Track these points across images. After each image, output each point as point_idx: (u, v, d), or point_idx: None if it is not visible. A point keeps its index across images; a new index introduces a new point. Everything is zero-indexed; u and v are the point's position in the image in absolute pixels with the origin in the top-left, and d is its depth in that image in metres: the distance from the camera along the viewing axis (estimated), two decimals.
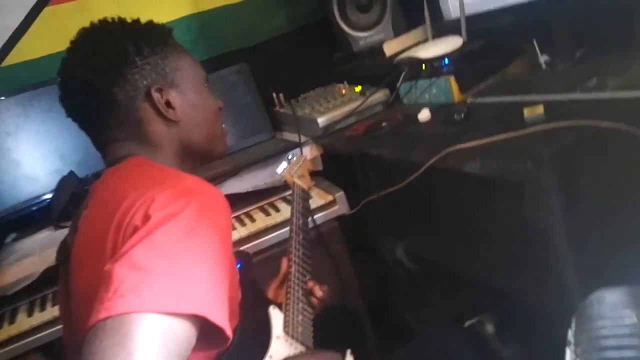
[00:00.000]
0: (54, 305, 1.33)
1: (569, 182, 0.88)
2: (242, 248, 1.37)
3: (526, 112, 1.05)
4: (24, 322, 1.29)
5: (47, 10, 1.63)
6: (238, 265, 0.84)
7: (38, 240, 1.40)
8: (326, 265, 1.49)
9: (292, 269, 0.98)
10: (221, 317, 0.59)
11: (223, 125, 0.93)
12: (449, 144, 1.06)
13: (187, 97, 0.84)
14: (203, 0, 1.84)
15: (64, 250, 0.79)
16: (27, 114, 1.54)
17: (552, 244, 0.90)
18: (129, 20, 0.84)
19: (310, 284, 0.99)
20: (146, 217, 0.61)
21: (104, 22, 0.83)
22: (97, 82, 0.78)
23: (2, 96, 1.53)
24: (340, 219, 1.52)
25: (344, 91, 1.74)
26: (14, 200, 1.51)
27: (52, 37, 1.64)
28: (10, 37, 1.60)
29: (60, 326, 1.24)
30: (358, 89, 1.72)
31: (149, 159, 0.80)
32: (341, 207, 1.51)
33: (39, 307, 1.34)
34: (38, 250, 1.33)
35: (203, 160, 0.91)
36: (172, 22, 1.79)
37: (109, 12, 1.65)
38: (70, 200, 1.47)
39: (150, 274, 0.56)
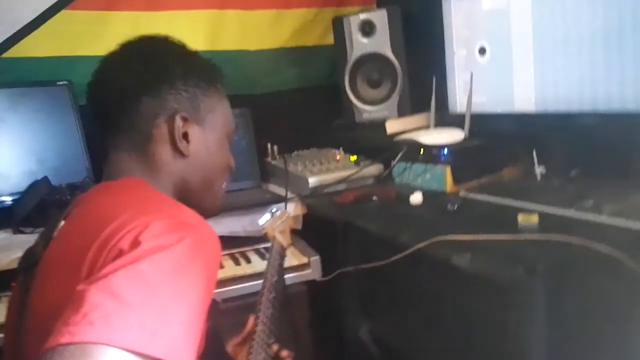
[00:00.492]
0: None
1: (557, 297, 0.87)
2: None
3: (521, 218, 1.06)
4: None
5: (64, 12, 1.62)
6: None
7: None
8: (284, 330, 1.43)
9: (258, 329, 0.92)
10: None
11: (224, 184, 0.90)
12: (440, 232, 1.05)
13: (206, 139, 0.82)
14: (220, 40, 1.85)
15: (31, 258, 0.72)
16: (16, 109, 1.48)
17: (529, 355, 0.88)
18: (191, 48, 0.84)
19: (275, 347, 0.93)
20: (135, 243, 0.56)
21: (166, 38, 0.83)
22: (130, 85, 0.76)
23: None
24: (309, 284, 1.47)
25: (338, 157, 1.74)
26: None
27: (62, 40, 1.62)
28: (20, 30, 1.57)
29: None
30: (353, 158, 1.72)
31: (147, 182, 0.75)
32: (314, 272, 1.46)
33: None
34: None
35: (190, 207, 0.87)
36: None
37: (125, 29, 1.67)
38: (37, 206, 1.40)
39: (127, 306, 0.51)
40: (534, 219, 1.05)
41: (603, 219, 1.01)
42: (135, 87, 0.77)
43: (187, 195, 0.81)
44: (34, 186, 1.44)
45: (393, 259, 1.14)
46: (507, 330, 0.91)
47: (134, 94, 0.77)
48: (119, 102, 0.78)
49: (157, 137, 0.78)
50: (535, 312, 0.87)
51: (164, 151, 0.78)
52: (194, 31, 1.79)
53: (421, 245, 1.06)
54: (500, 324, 0.92)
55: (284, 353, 0.95)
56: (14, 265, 1.22)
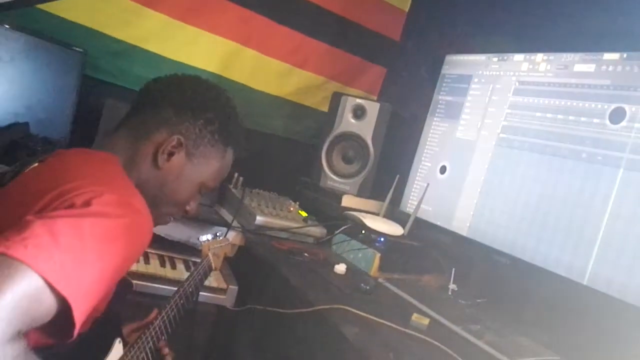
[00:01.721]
0: None
1: None
2: None
3: (414, 317, 1.21)
4: None
5: None
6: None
7: None
8: (180, 341, 1.50)
9: (157, 322, 1.02)
10: (80, 316, 0.64)
11: (170, 217, 1.00)
12: (344, 303, 1.18)
13: (183, 169, 0.93)
14: (232, 70, 2.02)
15: None
16: (28, 55, 1.59)
17: None
18: (233, 101, 1.00)
19: (162, 343, 1.02)
20: (87, 203, 0.68)
21: (226, 91, 1.01)
22: (172, 96, 0.92)
23: (19, 30, 1.60)
24: (220, 308, 1.56)
25: (291, 209, 1.87)
26: None
27: (96, 13, 1.76)
28: None
29: None
30: (304, 214, 1.86)
31: (120, 164, 0.87)
32: (228, 300, 1.56)
33: None
34: None
35: None
36: (196, 69, 1.95)
37: (152, 27, 1.80)
38: (7, 144, 1.48)
39: (58, 246, 0.62)
40: (425, 321, 1.20)
41: (479, 343, 1.15)
42: (174, 99, 0.92)
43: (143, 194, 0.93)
44: (12, 126, 1.53)
45: (296, 311, 1.25)
46: None
47: (167, 102, 0.92)
48: (155, 99, 0.93)
49: (153, 139, 0.90)
50: None
51: (147, 152, 0.90)
52: (213, 54, 1.96)
53: (322, 307, 1.19)
54: None
55: (166, 351, 1.03)
56: None
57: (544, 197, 1.34)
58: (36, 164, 0.84)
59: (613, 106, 1.22)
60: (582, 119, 1.27)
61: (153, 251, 1.58)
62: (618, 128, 1.21)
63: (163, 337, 1.03)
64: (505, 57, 1.54)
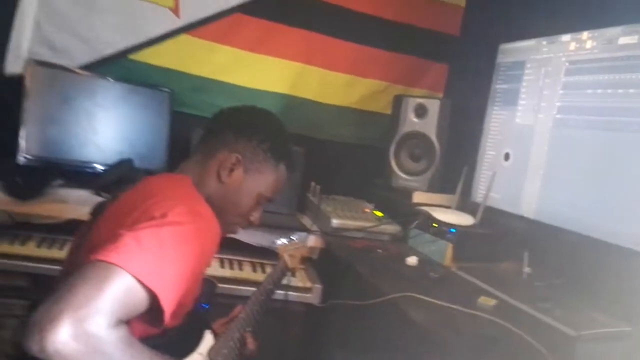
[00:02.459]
0: (60, 248, 1.57)
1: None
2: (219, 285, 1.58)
3: (481, 299, 1.27)
4: (30, 249, 1.54)
5: (183, 35, 2.02)
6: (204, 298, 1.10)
7: (76, 195, 1.67)
8: (272, 339, 1.66)
9: (241, 315, 1.19)
10: (167, 305, 0.81)
11: (238, 227, 1.17)
12: (412, 290, 1.28)
13: (242, 183, 1.10)
14: (300, 88, 2.20)
15: (99, 209, 1.04)
16: (126, 100, 1.88)
17: None
18: (284, 126, 1.18)
19: (247, 334, 1.18)
20: (163, 215, 0.86)
21: (272, 115, 1.20)
22: (229, 122, 1.13)
23: (118, 80, 1.88)
24: (308, 306, 1.72)
25: (367, 210, 1.99)
26: (77, 156, 1.81)
27: (175, 56, 2.02)
28: (146, 41, 1.98)
29: (51, 266, 1.49)
30: (379, 214, 1.97)
31: (193, 182, 1.06)
32: (314, 297, 1.71)
33: (46, 244, 1.59)
34: (72, 202, 1.60)
35: None
36: (269, 93, 2.15)
37: (227, 61, 2.03)
38: (117, 179, 1.75)
39: (143, 250, 0.80)
40: (492, 302, 1.26)
41: (546, 319, 1.19)
42: (232, 123, 1.12)
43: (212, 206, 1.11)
44: (120, 163, 1.81)
45: (370, 302, 1.37)
46: None
47: (226, 127, 1.11)
48: (217, 126, 1.13)
49: (216, 158, 1.09)
50: None
51: (212, 170, 1.09)
52: (281, 77, 2.16)
53: (392, 296, 1.29)
54: None
55: (250, 340, 1.20)
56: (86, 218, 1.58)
57: (605, 172, 1.35)
58: (128, 191, 1.05)
59: None
60: (631, 90, 1.27)
61: (243, 258, 1.77)
62: None
63: (248, 329, 1.19)
64: (553, 40, 1.56)
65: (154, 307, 0.81)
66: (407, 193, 1.99)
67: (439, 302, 1.24)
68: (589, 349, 1.12)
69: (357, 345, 1.57)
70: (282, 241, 1.51)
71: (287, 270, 1.45)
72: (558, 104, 1.52)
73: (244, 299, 1.29)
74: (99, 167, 1.83)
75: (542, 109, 1.58)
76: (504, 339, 1.10)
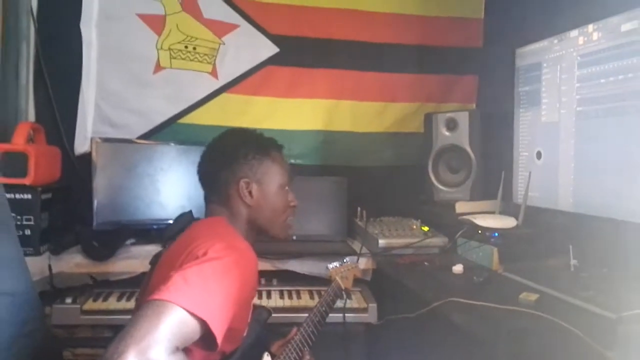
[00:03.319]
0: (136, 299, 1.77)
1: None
2: (280, 315, 1.71)
3: (522, 295, 1.32)
4: (112, 303, 1.74)
5: (224, 94, 2.24)
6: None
7: (147, 250, 1.87)
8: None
9: (297, 337, 1.30)
10: (218, 330, 0.94)
11: (290, 218, 1.33)
12: (456, 296, 1.34)
13: (264, 192, 1.26)
14: (335, 123, 2.35)
15: (155, 259, 1.22)
16: (180, 160, 2.08)
17: None
18: (249, 130, 1.33)
19: (307, 354, 1.29)
20: (205, 253, 1.01)
21: (234, 130, 1.34)
22: (213, 165, 1.28)
23: (172, 142, 2.11)
24: (366, 325, 1.80)
25: (414, 227, 2.06)
26: (144, 216, 2.03)
27: (219, 113, 2.24)
28: (192, 105, 2.22)
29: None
30: (425, 228, 2.04)
31: (227, 220, 1.21)
32: (370, 316, 1.79)
33: (126, 297, 1.79)
34: (142, 257, 1.79)
35: (264, 235, 1.30)
36: (305, 131, 2.31)
37: (264, 110, 2.23)
38: (179, 230, 1.94)
39: (190, 286, 0.94)
40: (533, 297, 1.30)
41: (587, 306, 1.22)
42: (215, 166, 1.27)
43: (257, 227, 1.27)
44: (182, 216, 1.98)
45: (416, 313, 1.44)
46: None
47: (215, 170, 1.27)
48: (208, 175, 1.29)
49: (232, 195, 1.25)
50: None
51: (237, 204, 1.24)
52: (315, 115, 2.32)
53: (435, 304, 1.36)
54: None
55: (307, 357, 1.31)
56: None
57: (633, 155, 1.37)
58: (176, 240, 1.21)
59: None
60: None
61: (301, 288, 1.89)
62: None
63: (305, 349, 1.30)
64: (562, 37, 1.62)
65: (207, 334, 0.94)
66: (451, 205, 2.05)
67: (479, 303, 1.29)
68: (630, 330, 1.14)
69: (413, 357, 1.63)
70: (333, 265, 1.62)
71: (340, 291, 1.55)
72: (577, 97, 1.56)
73: (288, 325, 1.41)
74: (164, 223, 2.03)
75: (563, 105, 1.62)
76: (544, 330, 1.13)
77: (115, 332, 1.75)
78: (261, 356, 1.18)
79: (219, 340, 0.95)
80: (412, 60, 2.39)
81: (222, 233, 1.14)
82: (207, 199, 1.31)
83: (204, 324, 0.92)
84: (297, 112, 2.30)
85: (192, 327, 0.92)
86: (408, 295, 1.61)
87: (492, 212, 1.93)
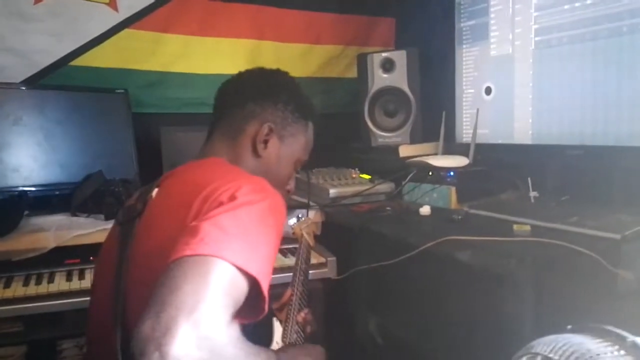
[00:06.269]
0: (49, 282, 1.40)
1: (541, 284, 1.06)
2: None
3: (516, 227, 1.27)
4: (18, 289, 1.35)
5: (126, 31, 1.86)
6: None
7: (54, 221, 1.50)
8: None
9: (293, 298, 1.12)
10: (266, 290, 0.72)
11: (288, 189, 1.12)
12: (446, 235, 1.25)
13: (279, 152, 1.04)
14: (257, 65, 2.07)
15: (132, 213, 0.92)
16: (81, 111, 1.70)
17: (519, 330, 1.06)
18: (299, 84, 1.11)
19: (305, 313, 1.12)
20: (232, 197, 0.77)
21: (286, 72, 1.11)
22: (247, 92, 1.02)
23: (64, 90, 1.70)
24: (325, 281, 1.66)
25: (354, 175, 1.94)
26: (41, 180, 1.62)
27: (122, 54, 1.85)
28: (88, 43, 1.80)
29: (44, 303, 1.33)
30: (367, 176, 1.93)
31: (228, 162, 0.96)
32: (330, 271, 1.65)
33: (34, 280, 1.41)
34: (54, 229, 1.42)
35: None
36: (225, 75, 2.01)
37: (176, 49, 1.90)
38: (92, 194, 1.59)
39: (230, 235, 0.70)
40: (527, 228, 1.26)
41: (584, 230, 1.21)
42: (250, 93, 1.02)
43: None
44: (89, 178, 1.64)
45: (405, 256, 1.32)
46: (503, 311, 1.09)
47: (246, 97, 1.02)
48: (234, 99, 1.03)
49: (246, 133, 1.01)
50: (524, 295, 1.06)
51: (246, 145, 1.01)
52: (235, 56, 2.04)
53: (430, 244, 1.25)
54: (494, 307, 1.11)
55: (309, 319, 1.14)
56: (74, 242, 1.43)
57: (598, 81, 1.38)
58: (156, 189, 0.93)
59: None
60: None
61: None
62: None
63: (304, 308, 1.12)
64: None
65: (251, 296, 0.71)
66: (390, 150, 1.96)
67: (480, 238, 1.22)
68: (632, 248, 1.15)
69: (391, 305, 1.53)
70: (294, 221, 1.44)
71: (310, 248, 1.38)
72: (535, 26, 1.53)
73: (286, 284, 1.23)
74: (67, 188, 1.64)
75: (517, 36, 1.59)
76: (558, 256, 1.10)
77: (25, 323, 1.40)
78: (271, 321, 0.98)
79: (267, 303, 0.73)
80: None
81: (240, 174, 0.90)
82: (213, 129, 1.04)
83: (252, 283, 0.70)
84: (215, 54, 2.00)
85: (242, 288, 0.69)
86: (380, 243, 1.50)
87: (435, 154, 1.89)
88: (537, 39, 1.53)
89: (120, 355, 0.78)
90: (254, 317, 0.75)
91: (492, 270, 1.11)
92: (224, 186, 0.79)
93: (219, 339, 0.61)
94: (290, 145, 1.05)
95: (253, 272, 0.69)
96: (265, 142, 1.01)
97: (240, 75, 1.08)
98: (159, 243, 0.81)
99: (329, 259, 1.66)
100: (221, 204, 0.76)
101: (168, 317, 0.58)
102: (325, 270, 1.65)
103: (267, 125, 1.01)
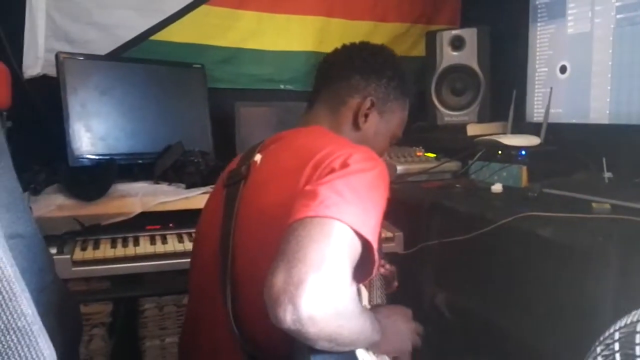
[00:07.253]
0: (134, 245, 1.48)
1: (626, 261, 1.06)
2: None
3: (595, 205, 1.26)
4: (107, 251, 1.44)
5: (203, 7, 1.91)
6: None
7: (140, 187, 1.58)
8: None
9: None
10: (375, 254, 0.76)
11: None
12: (523, 212, 1.26)
13: (378, 126, 1.08)
14: (325, 43, 2.13)
15: (236, 177, 0.97)
16: (161, 84, 1.77)
17: (603, 308, 1.07)
18: (398, 57, 1.13)
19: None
20: (344, 164, 0.81)
21: (391, 49, 1.13)
22: (354, 64, 1.05)
23: (145, 63, 1.77)
24: (391, 255, 1.68)
25: (419, 153, 1.95)
26: (126, 149, 1.71)
27: (199, 29, 1.91)
28: (166, 19, 1.87)
29: (130, 264, 1.43)
30: (433, 155, 1.94)
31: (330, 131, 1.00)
32: (397, 246, 1.68)
33: (121, 243, 1.50)
34: (140, 195, 1.50)
35: None
36: (295, 52, 2.07)
37: (250, 26, 1.94)
38: (172, 165, 1.66)
39: (346, 200, 0.74)
40: (607, 206, 1.25)
41: None
42: (357, 66, 1.05)
43: None
44: (169, 148, 1.71)
45: (482, 231, 1.34)
46: (585, 289, 1.10)
47: (352, 70, 1.05)
48: (340, 71, 1.06)
49: (349, 105, 1.04)
50: (610, 272, 1.06)
51: (347, 117, 1.04)
52: (304, 33, 2.08)
53: (509, 219, 1.27)
54: (578, 283, 1.11)
55: (390, 278, 1.19)
56: (158, 208, 1.50)
57: None
58: (259, 155, 0.98)
59: None
60: None
61: None
62: None
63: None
64: None
65: (362, 258, 0.75)
66: (457, 129, 1.96)
67: (561, 215, 1.22)
68: None
69: (461, 279, 1.55)
70: None
71: None
72: (617, 3, 1.50)
73: None
74: (149, 158, 1.72)
75: (597, 13, 1.56)
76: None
77: (113, 283, 1.49)
78: (359, 287, 1.02)
79: (376, 266, 0.77)
80: None
81: (347, 142, 0.95)
82: (314, 99, 1.08)
83: (364, 246, 0.74)
84: (285, 31, 2.04)
85: (357, 250, 0.73)
86: (451, 218, 1.52)
87: (504, 133, 1.87)
88: (619, 16, 1.50)
89: (230, 304, 0.84)
90: (362, 279, 0.79)
91: (577, 247, 1.12)
92: (335, 153, 0.83)
93: (343, 295, 0.66)
94: (388, 121, 1.09)
95: (367, 235, 0.73)
96: (366, 115, 1.04)
97: (346, 47, 1.11)
98: (270, 204, 0.85)
99: (396, 233, 1.68)
100: (333, 170, 0.80)
101: (299, 272, 0.63)
102: (393, 244, 1.68)
103: (370, 99, 1.04)
